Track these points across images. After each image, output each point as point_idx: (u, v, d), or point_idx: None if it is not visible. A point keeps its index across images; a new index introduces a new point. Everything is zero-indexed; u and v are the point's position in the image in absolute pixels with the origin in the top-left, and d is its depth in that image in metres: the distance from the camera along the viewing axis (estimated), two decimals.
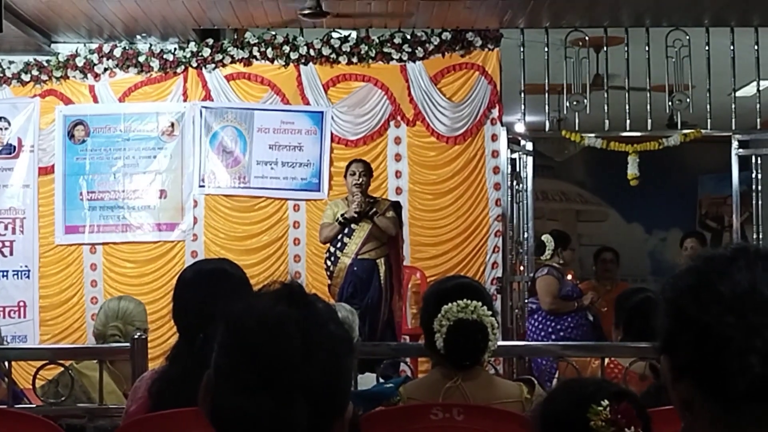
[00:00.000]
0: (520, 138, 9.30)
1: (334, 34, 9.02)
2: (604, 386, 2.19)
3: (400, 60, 8.98)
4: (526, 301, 8.73)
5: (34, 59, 9.15)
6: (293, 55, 9.00)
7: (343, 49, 8.98)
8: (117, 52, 9.10)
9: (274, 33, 9.03)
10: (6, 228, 9.14)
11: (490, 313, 3.21)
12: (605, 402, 2.08)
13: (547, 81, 9.08)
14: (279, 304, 1.58)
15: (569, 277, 12.60)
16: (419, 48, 8.95)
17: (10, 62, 9.17)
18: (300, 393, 1.50)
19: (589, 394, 2.13)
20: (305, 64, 9.03)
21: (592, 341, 7.10)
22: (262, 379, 1.50)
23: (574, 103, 9.07)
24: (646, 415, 2.15)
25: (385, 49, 8.95)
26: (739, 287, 1.31)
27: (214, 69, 9.07)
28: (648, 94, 9.01)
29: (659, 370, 2.07)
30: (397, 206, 7.88)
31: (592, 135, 9.14)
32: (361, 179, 7.58)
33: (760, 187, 9.20)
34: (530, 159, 9.35)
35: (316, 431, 1.53)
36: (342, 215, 7.53)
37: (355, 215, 7.49)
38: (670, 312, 1.38)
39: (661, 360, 1.41)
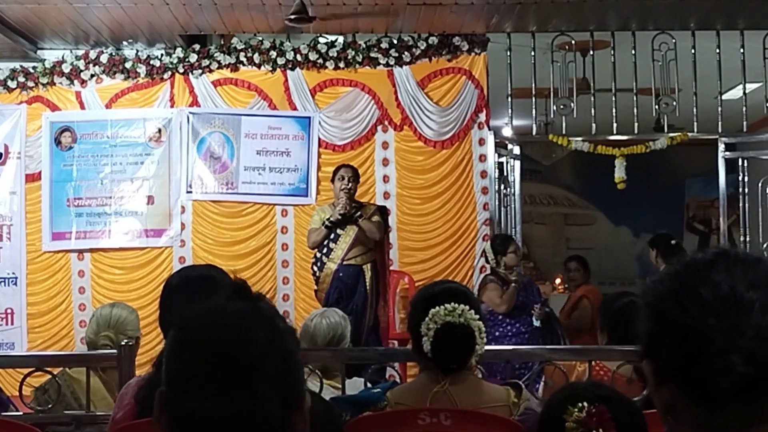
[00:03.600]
0: (507, 142, 9.31)
1: (321, 39, 9.02)
2: (593, 389, 2.20)
3: (387, 65, 8.99)
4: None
5: (21, 66, 9.14)
6: (280, 61, 9.00)
7: (330, 54, 8.98)
8: (103, 59, 9.09)
9: (260, 38, 9.03)
10: None
11: (477, 317, 3.21)
12: (582, 404, 2.09)
13: (534, 85, 9.10)
14: (233, 301, 1.58)
15: (557, 281, 12.63)
16: (406, 52, 8.95)
17: None
18: (269, 384, 1.49)
19: (575, 395, 2.14)
20: (292, 69, 9.03)
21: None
22: (232, 377, 1.48)
23: (561, 106, 9.09)
24: (631, 419, 2.15)
25: (372, 54, 8.95)
26: (719, 290, 1.32)
27: (200, 75, 9.07)
28: (635, 98, 9.04)
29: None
30: (383, 211, 7.87)
31: (580, 139, 9.15)
32: (350, 184, 7.58)
33: (746, 190, 9.23)
34: (518, 163, 9.35)
35: (285, 421, 1.52)
36: (328, 219, 7.53)
37: (340, 217, 7.49)
38: (651, 316, 1.39)
39: (644, 365, 1.41)
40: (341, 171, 7.73)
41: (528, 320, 7.69)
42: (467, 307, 3.19)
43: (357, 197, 7.89)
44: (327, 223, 7.53)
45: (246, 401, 1.47)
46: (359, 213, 7.59)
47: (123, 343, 3.98)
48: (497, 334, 7.61)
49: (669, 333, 1.35)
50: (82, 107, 9.16)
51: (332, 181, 7.78)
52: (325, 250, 7.59)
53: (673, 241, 8.98)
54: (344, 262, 7.53)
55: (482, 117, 9.01)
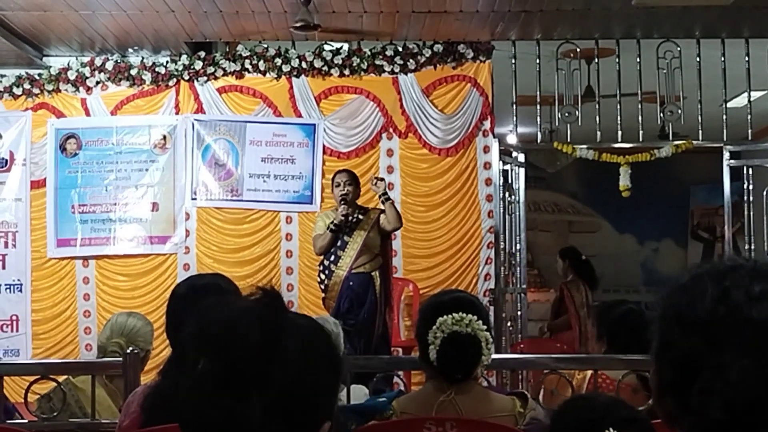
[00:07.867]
0: (512, 149, 9.30)
1: (326, 47, 9.03)
2: (613, 410, 2.14)
3: (392, 72, 8.99)
4: None
5: (26, 73, 9.15)
6: (285, 68, 9.01)
7: (335, 62, 8.98)
8: (109, 66, 9.10)
9: (266, 45, 9.04)
10: None
11: (485, 327, 3.20)
12: (609, 430, 2.05)
13: (538, 92, 9.09)
14: (245, 301, 1.51)
15: None
16: (411, 60, 8.96)
17: (2, 76, 9.17)
18: (256, 389, 1.40)
19: (598, 419, 2.10)
20: (297, 76, 9.04)
21: None
22: (219, 376, 1.41)
23: (566, 114, 9.07)
24: None
25: (377, 62, 8.96)
26: (719, 312, 1.32)
27: (206, 82, 9.07)
28: (639, 106, 9.02)
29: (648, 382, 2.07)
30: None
31: (584, 146, 9.13)
32: (345, 189, 7.58)
33: (751, 198, 9.21)
34: (522, 170, 9.35)
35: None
36: (332, 222, 7.53)
37: (343, 218, 7.49)
38: (656, 332, 1.39)
39: (650, 375, 1.43)
40: (337, 177, 7.75)
41: None
42: (475, 318, 3.19)
43: (362, 203, 7.89)
44: (331, 226, 7.52)
45: (227, 403, 1.41)
46: (358, 217, 7.59)
47: (129, 351, 3.98)
48: None
49: (668, 351, 1.37)
50: (88, 114, 9.17)
51: (332, 189, 7.80)
52: (332, 258, 7.57)
53: (583, 257, 9.30)
54: (353, 270, 7.52)
55: (487, 124, 9.00)
